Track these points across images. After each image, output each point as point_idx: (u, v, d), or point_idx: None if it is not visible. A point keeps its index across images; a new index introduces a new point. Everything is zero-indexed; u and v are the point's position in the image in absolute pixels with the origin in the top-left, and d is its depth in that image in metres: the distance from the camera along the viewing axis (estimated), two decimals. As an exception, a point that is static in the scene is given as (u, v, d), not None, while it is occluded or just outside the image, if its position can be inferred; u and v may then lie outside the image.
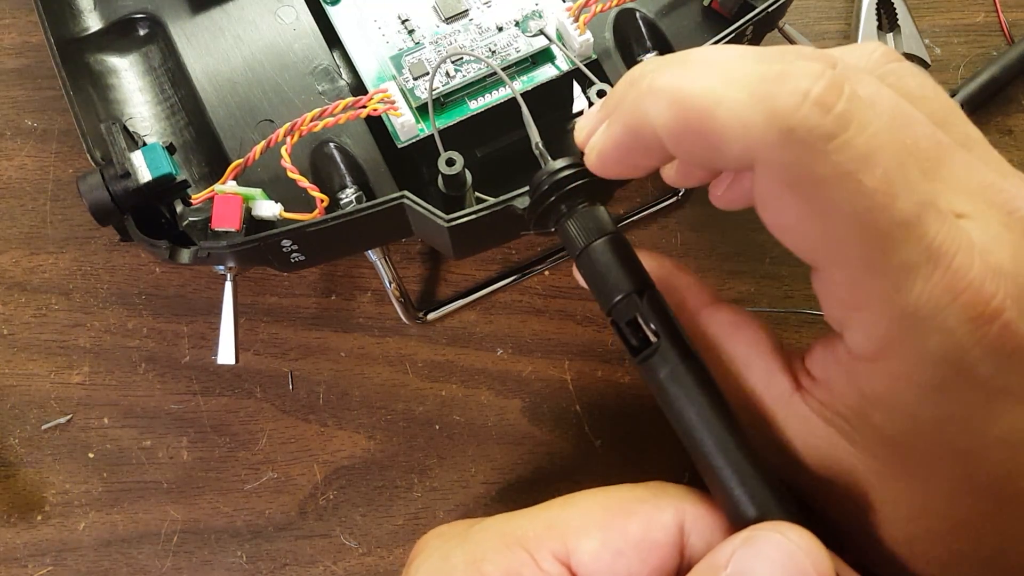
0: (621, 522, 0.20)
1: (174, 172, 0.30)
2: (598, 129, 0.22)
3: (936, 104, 0.20)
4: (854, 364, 0.19)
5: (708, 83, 0.18)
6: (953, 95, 0.39)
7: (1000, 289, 0.17)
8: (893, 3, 0.40)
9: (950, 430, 0.18)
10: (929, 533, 0.19)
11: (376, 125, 0.34)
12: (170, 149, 0.31)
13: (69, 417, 0.36)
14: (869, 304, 0.18)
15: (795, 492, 0.20)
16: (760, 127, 0.17)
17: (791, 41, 0.38)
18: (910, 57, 0.39)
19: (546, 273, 0.38)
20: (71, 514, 0.35)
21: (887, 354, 0.18)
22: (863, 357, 0.18)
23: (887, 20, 0.40)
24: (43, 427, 0.36)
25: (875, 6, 0.40)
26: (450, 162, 0.29)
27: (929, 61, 0.39)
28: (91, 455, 0.36)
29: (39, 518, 0.35)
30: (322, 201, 0.31)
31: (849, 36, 0.41)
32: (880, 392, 0.18)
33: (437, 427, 0.36)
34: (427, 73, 0.33)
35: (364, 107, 0.32)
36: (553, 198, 0.24)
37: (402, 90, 0.33)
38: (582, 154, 0.23)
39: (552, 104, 0.35)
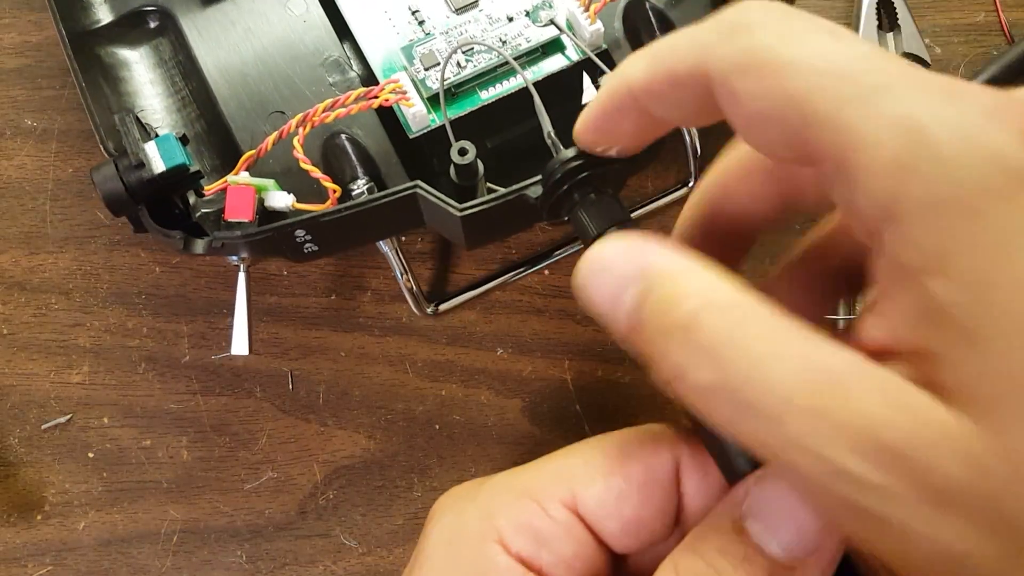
0: (622, 466, 0.21)
1: (188, 162, 0.30)
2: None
3: None
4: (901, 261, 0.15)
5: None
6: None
7: None
8: (893, 3, 0.40)
9: None
10: None
11: (387, 116, 0.34)
12: (183, 140, 0.31)
13: (69, 417, 0.36)
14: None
15: None
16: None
17: None
18: (910, 56, 0.39)
19: (546, 272, 0.38)
20: (71, 514, 0.35)
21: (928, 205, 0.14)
22: (913, 222, 0.14)
23: (887, 20, 0.40)
24: (43, 427, 0.36)
25: (875, 6, 0.40)
26: (462, 151, 0.30)
27: (929, 60, 0.39)
28: (91, 455, 0.36)
29: (39, 518, 0.35)
30: (334, 191, 0.31)
31: (849, 36, 0.41)
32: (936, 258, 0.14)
33: (437, 427, 0.36)
34: (438, 64, 0.33)
35: (376, 97, 0.32)
36: (566, 187, 0.24)
37: (413, 80, 0.33)
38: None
39: (562, 94, 0.35)
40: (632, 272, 0.17)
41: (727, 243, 0.22)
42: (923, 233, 0.14)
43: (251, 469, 0.36)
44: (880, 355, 0.15)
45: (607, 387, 0.37)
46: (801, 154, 0.16)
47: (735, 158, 0.21)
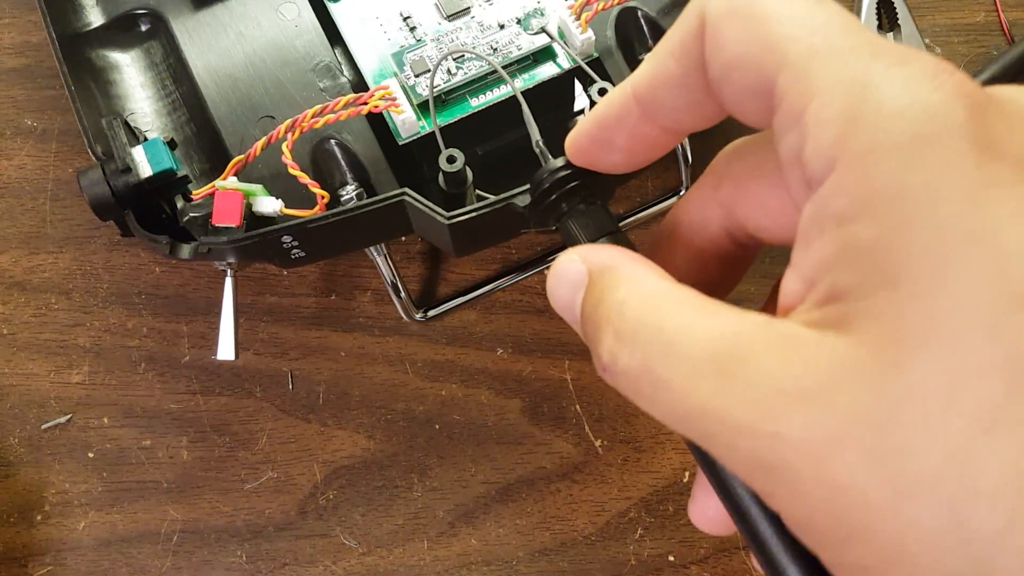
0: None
1: (175, 167, 0.30)
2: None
3: None
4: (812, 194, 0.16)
5: None
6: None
7: None
8: (893, 3, 0.40)
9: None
10: None
11: (377, 122, 0.34)
12: (171, 144, 0.31)
13: (69, 417, 0.36)
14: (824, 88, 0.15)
15: None
16: None
17: None
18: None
19: (546, 272, 0.38)
20: (71, 514, 0.35)
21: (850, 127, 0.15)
22: (824, 155, 0.15)
23: (887, 20, 0.40)
24: (43, 427, 0.36)
25: (875, 6, 0.40)
26: (451, 159, 0.30)
27: (929, 61, 0.39)
28: (91, 455, 0.36)
29: (39, 518, 0.35)
30: (323, 198, 0.31)
31: (849, 36, 0.41)
32: (855, 189, 0.15)
33: (437, 427, 0.36)
34: (428, 70, 0.33)
35: (365, 103, 0.32)
36: (554, 196, 0.24)
37: (403, 87, 0.33)
38: None
39: (553, 102, 0.35)
40: (580, 278, 0.19)
41: (692, 261, 0.23)
42: (854, 179, 0.15)
43: (251, 469, 0.36)
44: (792, 307, 0.16)
45: (607, 387, 0.36)
46: (767, 104, 0.17)
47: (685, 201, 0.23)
